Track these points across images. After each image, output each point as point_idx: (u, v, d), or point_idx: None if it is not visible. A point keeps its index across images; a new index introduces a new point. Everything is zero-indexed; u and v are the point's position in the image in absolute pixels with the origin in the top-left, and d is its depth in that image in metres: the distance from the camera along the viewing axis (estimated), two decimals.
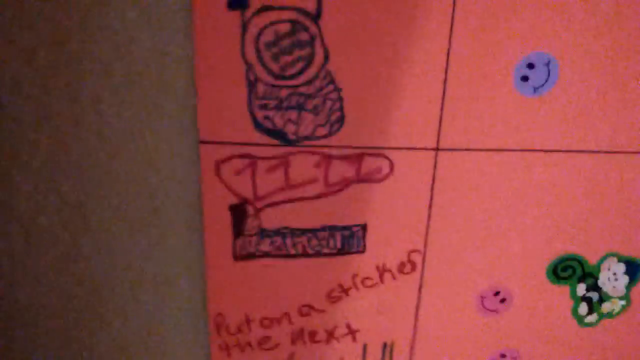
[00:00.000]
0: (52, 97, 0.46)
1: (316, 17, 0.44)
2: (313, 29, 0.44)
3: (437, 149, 0.49)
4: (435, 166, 0.49)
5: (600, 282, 0.55)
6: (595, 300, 0.56)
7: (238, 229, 0.52)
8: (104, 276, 0.53)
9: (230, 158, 0.49)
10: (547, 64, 0.46)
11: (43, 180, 0.48)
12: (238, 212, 0.51)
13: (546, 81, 0.46)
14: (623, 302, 0.56)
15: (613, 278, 0.55)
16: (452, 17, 0.45)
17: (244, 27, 0.44)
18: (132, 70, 0.46)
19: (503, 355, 0.58)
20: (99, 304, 0.54)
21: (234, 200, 0.50)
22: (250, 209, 0.51)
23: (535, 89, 0.47)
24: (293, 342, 0.57)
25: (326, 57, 0.45)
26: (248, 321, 0.55)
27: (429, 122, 0.48)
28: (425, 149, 0.49)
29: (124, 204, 0.51)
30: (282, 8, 0.44)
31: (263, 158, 0.49)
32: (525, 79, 0.46)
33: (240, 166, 0.49)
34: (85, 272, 0.53)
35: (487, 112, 0.47)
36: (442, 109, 0.47)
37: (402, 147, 0.49)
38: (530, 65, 0.46)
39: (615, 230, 0.53)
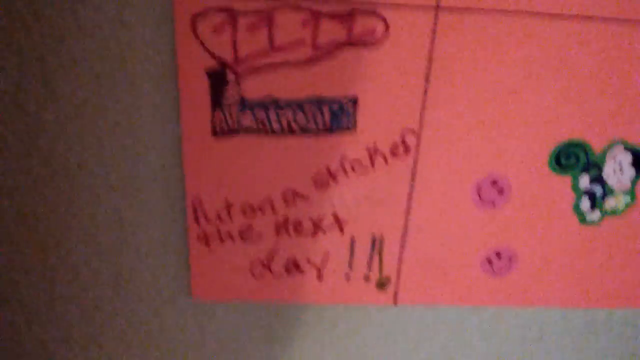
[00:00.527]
0: None
1: None
2: None
3: (437, 8, 0.44)
4: (434, 30, 0.45)
5: (604, 174, 0.51)
6: (599, 195, 0.51)
7: (217, 99, 0.47)
8: (72, 156, 0.48)
9: (207, 11, 0.43)
10: None
11: None
12: (217, 79, 0.46)
13: None
14: (628, 198, 0.52)
15: (618, 169, 0.50)
16: None
17: None
18: None
19: (498, 254, 0.54)
20: (69, 189, 0.50)
21: (212, 64, 0.45)
22: (230, 74, 0.46)
23: None
24: (277, 232, 0.52)
25: None
26: (228, 206, 0.51)
27: None
28: (426, 6, 0.44)
29: (93, 69, 0.45)
30: None
31: (244, 12, 0.44)
32: None
33: (219, 21, 0.44)
34: (53, 153, 0.48)
35: None
36: None
37: (400, 3, 0.44)
38: None
39: (624, 114, 0.48)
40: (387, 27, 0.45)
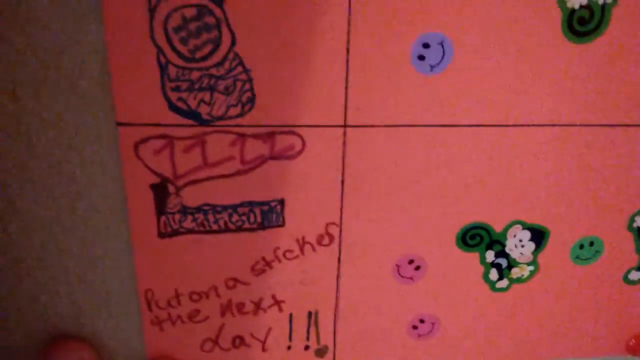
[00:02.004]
0: None
1: (220, 1, 0.46)
2: (218, 12, 0.47)
3: (344, 126, 0.52)
4: (344, 142, 0.53)
5: (507, 249, 0.59)
6: (505, 267, 0.60)
7: (161, 208, 0.54)
8: (30, 259, 0.55)
9: (148, 139, 0.51)
10: (442, 43, 0.49)
11: None
12: (159, 191, 0.54)
13: (442, 59, 0.50)
14: (531, 268, 0.60)
15: (520, 245, 0.59)
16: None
17: (152, 13, 0.46)
18: (48, 57, 0.48)
19: (422, 320, 0.62)
20: (26, 287, 0.57)
21: (154, 179, 0.53)
22: (171, 188, 0.53)
23: (432, 67, 0.50)
24: (222, 314, 0.60)
25: (233, 40, 0.48)
26: (177, 295, 0.58)
27: (335, 100, 0.51)
28: (334, 125, 0.52)
29: (47, 188, 0.53)
30: None
31: (180, 138, 0.51)
32: (422, 58, 0.49)
33: (158, 146, 0.51)
34: (9, 256, 0.55)
35: (389, 90, 0.51)
36: (346, 88, 0.50)
37: (312, 124, 0.52)
38: (426, 45, 0.49)
39: (518, 199, 0.57)
40: (303, 142, 0.53)
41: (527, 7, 0.49)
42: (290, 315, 0.61)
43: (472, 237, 0.58)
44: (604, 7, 0.50)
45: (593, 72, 0.52)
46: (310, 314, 0.61)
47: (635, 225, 0.60)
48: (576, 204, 0.58)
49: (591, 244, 0.60)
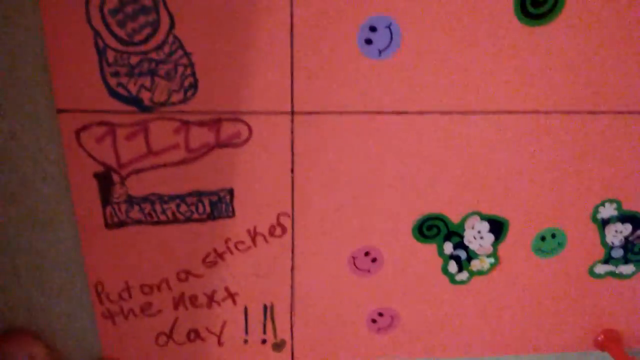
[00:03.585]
0: None
1: None
2: None
3: (292, 113, 0.50)
4: (292, 130, 0.51)
5: (465, 241, 0.57)
6: (464, 259, 0.58)
7: (106, 198, 0.53)
8: None
9: (89, 126, 0.49)
10: (389, 26, 0.47)
11: None
12: (104, 180, 0.52)
13: (390, 43, 0.48)
14: (492, 260, 0.58)
15: (479, 236, 0.57)
16: None
17: None
18: None
19: (381, 314, 0.60)
20: None
21: (98, 168, 0.51)
22: (115, 177, 0.52)
23: (380, 52, 0.48)
24: (175, 307, 0.58)
25: (172, 23, 0.46)
26: (128, 288, 0.57)
27: (282, 86, 0.49)
28: (282, 112, 0.50)
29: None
30: None
31: (122, 125, 0.50)
32: (369, 41, 0.48)
33: (100, 133, 0.50)
34: None
35: (336, 76, 0.49)
36: (292, 74, 0.49)
37: (259, 111, 0.50)
38: (373, 28, 0.47)
39: (475, 189, 0.55)
40: (250, 130, 0.51)
41: None
42: (245, 308, 0.59)
43: (429, 228, 0.56)
44: None
45: (549, 56, 0.50)
46: (265, 307, 0.59)
47: (599, 216, 0.58)
48: (536, 194, 0.56)
49: (553, 235, 0.58)
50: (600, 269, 0.61)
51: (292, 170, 0.53)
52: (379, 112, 0.51)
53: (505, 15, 0.48)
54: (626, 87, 0.52)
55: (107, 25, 0.46)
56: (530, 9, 0.48)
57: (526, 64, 0.50)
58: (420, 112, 0.51)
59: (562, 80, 0.51)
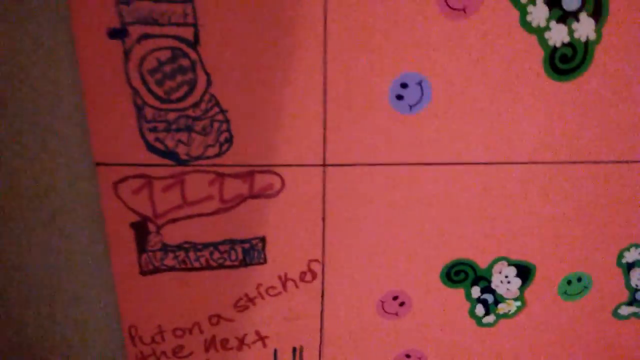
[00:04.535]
0: None
1: (194, 43, 0.46)
2: (193, 55, 0.47)
3: (324, 165, 0.51)
4: (324, 181, 0.52)
5: (493, 285, 0.58)
6: (491, 302, 0.59)
7: (142, 245, 0.54)
8: (17, 298, 0.55)
9: (126, 178, 0.51)
10: (420, 83, 0.48)
11: None
12: (140, 229, 0.54)
13: (420, 99, 0.49)
14: (518, 303, 0.59)
15: (505, 281, 0.58)
16: (325, 38, 0.47)
17: (126, 55, 0.46)
18: (25, 98, 0.48)
19: (408, 356, 0.61)
20: (14, 324, 0.57)
21: (135, 218, 0.53)
22: (151, 226, 0.53)
23: (411, 107, 0.49)
24: (207, 350, 0.60)
25: (209, 81, 0.48)
26: (161, 332, 0.58)
27: (314, 140, 0.50)
28: (314, 165, 0.51)
29: (29, 228, 0.53)
30: (161, 36, 0.46)
31: (158, 177, 0.51)
32: (400, 97, 0.49)
33: (137, 186, 0.51)
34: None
35: (367, 130, 0.50)
36: (325, 128, 0.50)
37: (291, 164, 0.51)
38: (404, 85, 0.48)
39: (503, 235, 0.56)
40: (283, 181, 0.52)
41: (507, 46, 0.48)
42: (275, 351, 0.60)
43: (457, 273, 0.57)
44: (586, 44, 0.49)
45: (577, 110, 0.51)
46: (295, 350, 0.60)
47: (624, 260, 0.59)
48: (563, 240, 0.57)
49: (579, 279, 0.59)
50: (625, 310, 0.61)
51: (323, 219, 0.54)
52: (408, 164, 0.52)
53: (534, 70, 0.49)
54: None
55: (145, 84, 0.48)
56: (559, 65, 0.49)
57: (553, 116, 0.51)
58: (449, 163, 0.52)
59: (588, 132, 0.52)
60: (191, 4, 0.45)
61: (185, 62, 0.47)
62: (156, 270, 0.55)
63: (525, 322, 0.60)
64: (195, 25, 0.46)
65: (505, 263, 0.57)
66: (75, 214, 0.53)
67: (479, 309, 0.59)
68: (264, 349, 0.60)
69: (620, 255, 0.58)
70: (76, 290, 0.56)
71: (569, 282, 0.58)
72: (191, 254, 0.54)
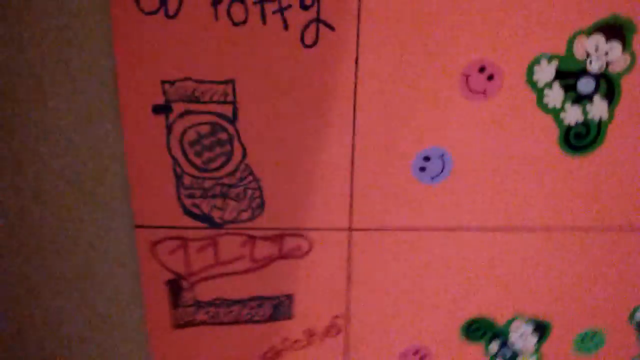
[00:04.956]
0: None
1: (233, 120, 0.50)
2: (231, 129, 0.50)
3: (350, 229, 0.55)
4: (350, 243, 0.55)
5: (510, 341, 0.60)
6: (509, 357, 0.61)
7: (175, 301, 0.57)
8: (55, 347, 0.59)
9: (163, 240, 0.54)
10: (442, 157, 0.52)
11: None
12: (174, 287, 0.57)
13: (442, 171, 0.52)
14: (535, 357, 0.62)
15: (523, 337, 0.60)
16: (354, 111, 0.50)
17: (169, 128, 0.50)
18: (72, 167, 0.52)
19: None
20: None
21: (170, 276, 0.56)
22: (184, 284, 0.57)
23: (433, 178, 0.53)
24: None
25: (244, 153, 0.51)
26: None
27: (341, 206, 0.54)
28: (340, 229, 0.55)
29: (72, 284, 0.56)
30: (202, 112, 0.50)
31: (193, 239, 0.55)
32: (423, 169, 0.52)
33: (173, 247, 0.55)
34: (39, 346, 0.58)
35: (391, 197, 0.53)
36: (351, 195, 0.53)
37: (319, 228, 0.54)
38: (427, 158, 0.52)
39: (521, 294, 0.59)
40: (310, 244, 0.55)
41: (524, 125, 0.51)
42: None
43: (476, 330, 0.60)
44: (600, 123, 0.52)
45: (590, 182, 0.54)
46: None
47: (636, 319, 0.61)
48: (577, 298, 0.60)
49: (593, 335, 0.61)
50: None
51: (348, 278, 0.57)
52: (429, 229, 0.55)
53: (550, 145, 0.52)
54: None
55: (185, 154, 0.51)
56: (573, 142, 0.52)
57: (566, 187, 0.54)
58: (468, 229, 0.55)
59: (600, 202, 0.55)
60: (232, 85, 0.48)
61: (223, 136, 0.50)
62: (188, 324, 0.58)
63: None
64: (234, 103, 0.49)
65: (523, 320, 0.60)
66: (115, 272, 0.56)
67: None
68: None
69: (633, 313, 0.60)
70: (112, 342, 0.59)
71: (583, 339, 0.61)
72: (222, 309, 0.58)
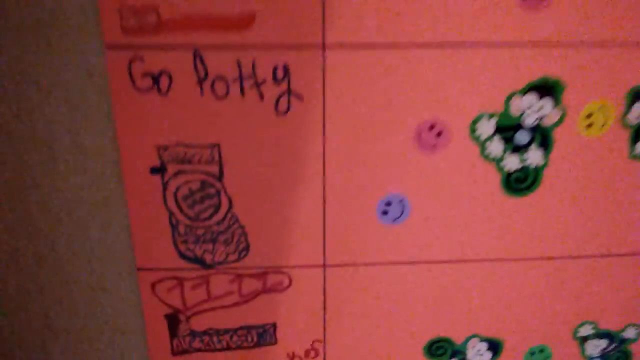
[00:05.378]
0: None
1: (220, 176, 0.59)
2: (218, 185, 0.59)
3: (324, 265, 0.64)
4: (324, 277, 0.64)
5: (468, 357, 0.70)
6: None
7: (173, 332, 0.66)
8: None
9: (162, 280, 0.63)
10: (401, 202, 0.61)
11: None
12: (172, 320, 0.66)
13: (402, 214, 0.62)
14: None
15: (479, 354, 0.70)
16: (324, 168, 0.60)
17: (165, 186, 0.59)
18: (82, 221, 0.61)
19: None
20: None
21: (168, 310, 0.65)
22: (181, 317, 0.65)
23: (394, 220, 0.62)
24: None
25: (230, 204, 0.60)
26: None
27: (316, 246, 0.63)
28: (315, 265, 0.64)
29: (85, 320, 0.65)
30: (192, 172, 0.59)
31: (188, 279, 0.63)
32: (385, 212, 0.61)
33: (171, 285, 0.63)
34: None
35: (360, 238, 0.62)
36: (324, 238, 0.62)
37: (297, 265, 0.63)
38: (388, 203, 0.61)
39: (475, 316, 0.68)
40: (290, 279, 0.64)
41: (470, 172, 0.60)
42: None
43: (437, 349, 0.69)
44: (536, 169, 0.61)
45: (529, 219, 0.64)
46: None
47: (578, 335, 0.70)
48: (525, 319, 0.69)
49: (541, 351, 0.71)
50: None
51: (324, 308, 0.66)
52: (393, 263, 0.64)
53: (493, 189, 0.62)
54: (594, 236, 0.65)
55: (179, 207, 0.60)
56: (513, 185, 0.62)
57: (511, 223, 0.64)
58: (427, 262, 0.65)
59: (539, 235, 0.65)
60: (217, 148, 0.57)
61: (211, 191, 0.59)
62: (185, 352, 0.67)
63: None
64: (220, 162, 0.58)
65: (478, 339, 0.69)
66: (120, 310, 0.65)
67: None
68: None
69: (575, 331, 0.70)
70: None
71: (533, 353, 0.70)
72: (214, 338, 0.66)
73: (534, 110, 0.58)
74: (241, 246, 0.61)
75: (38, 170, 0.57)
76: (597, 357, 0.71)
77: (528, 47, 0.56)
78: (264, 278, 0.63)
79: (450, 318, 0.67)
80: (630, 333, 0.71)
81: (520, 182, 0.61)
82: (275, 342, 0.66)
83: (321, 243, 0.62)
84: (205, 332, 0.65)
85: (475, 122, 0.58)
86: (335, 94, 0.56)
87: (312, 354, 0.67)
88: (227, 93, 0.55)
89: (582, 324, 0.69)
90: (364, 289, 0.64)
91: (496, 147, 0.59)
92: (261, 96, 0.55)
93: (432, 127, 0.58)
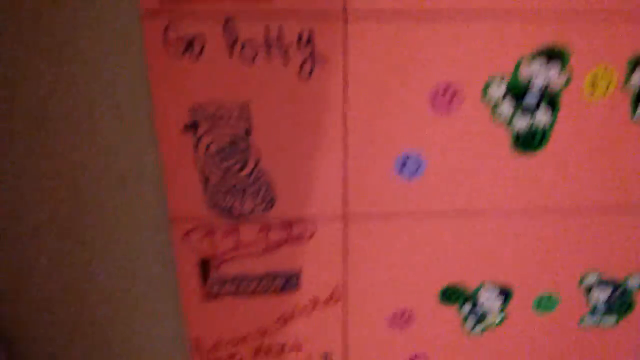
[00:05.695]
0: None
1: (248, 133, 0.63)
2: (247, 141, 0.64)
3: (345, 216, 0.69)
4: (345, 228, 0.69)
5: (479, 303, 0.75)
6: (479, 315, 0.76)
7: (205, 278, 0.72)
8: (105, 318, 0.74)
9: (194, 228, 0.69)
10: (418, 158, 0.65)
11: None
12: (204, 266, 0.71)
13: (418, 169, 0.66)
14: (501, 316, 0.76)
15: (489, 300, 0.75)
16: (345, 125, 0.64)
17: (197, 141, 0.64)
18: (118, 174, 0.66)
19: (417, 356, 0.78)
20: (97, 332, 0.75)
21: (199, 258, 0.71)
22: (213, 263, 0.71)
23: (411, 174, 0.66)
24: (255, 355, 0.78)
25: (258, 158, 0.65)
26: (219, 342, 0.76)
27: (337, 198, 0.68)
28: (337, 216, 0.69)
29: (119, 270, 0.71)
30: (223, 128, 0.63)
31: (218, 228, 0.69)
32: (403, 167, 0.66)
33: (202, 234, 0.69)
34: (90, 293, 0.73)
35: (378, 192, 0.67)
36: (345, 189, 0.67)
37: (320, 216, 0.69)
38: (406, 159, 0.65)
39: (486, 265, 0.73)
40: (313, 229, 0.70)
41: (482, 133, 0.65)
42: (309, 355, 0.78)
43: (450, 295, 0.74)
44: (544, 129, 0.65)
45: (536, 173, 0.68)
46: (325, 354, 0.78)
47: (585, 284, 0.75)
48: (534, 268, 0.74)
49: (549, 298, 0.76)
50: (589, 320, 0.78)
51: (345, 256, 0.71)
52: (409, 214, 0.69)
53: (503, 148, 0.66)
54: (597, 190, 0.69)
55: (210, 162, 0.65)
56: (521, 144, 0.66)
57: (519, 178, 0.68)
58: (441, 214, 0.69)
59: (546, 190, 0.69)
60: (246, 106, 0.62)
61: (240, 146, 0.64)
62: (215, 296, 0.73)
63: (506, 331, 0.78)
64: (248, 120, 0.63)
65: (489, 285, 0.74)
66: (154, 256, 0.71)
67: (470, 322, 0.76)
68: (299, 354, 0.77)
69: (582, 279, 0.75)
70: (153, 313, 0.74)
71: (541, 300, 0.75)
72: (243, 284, 0.72)
73: (541, 74, 0.61)
74: (268, 198, 0.66)
75: (78, 127, 0.62)
76: (601, 304, 0.76)
77: (537, 14, 0.59)
78: (289, 228, 0.68)
79: (463, 266, 0.72)
80: (634, 282, 0.75)
81: (528, 141, 0.64)
82: (299, 288, 0.72)
83: (342, 195, 0.67)
84: (234, 278, 0.71)
85: (487, 85, 0.62)
86: (355, 58, 0.60)
87: (333, 299, 0.73)
88: (256, 56, 0.59)
89: (587, 274, 0.74)
90: (383, 238, 0.69)
91: (506, 108, 0.63)
92: (287, 59, 0.59)
93: (446, 90, 0.62)
